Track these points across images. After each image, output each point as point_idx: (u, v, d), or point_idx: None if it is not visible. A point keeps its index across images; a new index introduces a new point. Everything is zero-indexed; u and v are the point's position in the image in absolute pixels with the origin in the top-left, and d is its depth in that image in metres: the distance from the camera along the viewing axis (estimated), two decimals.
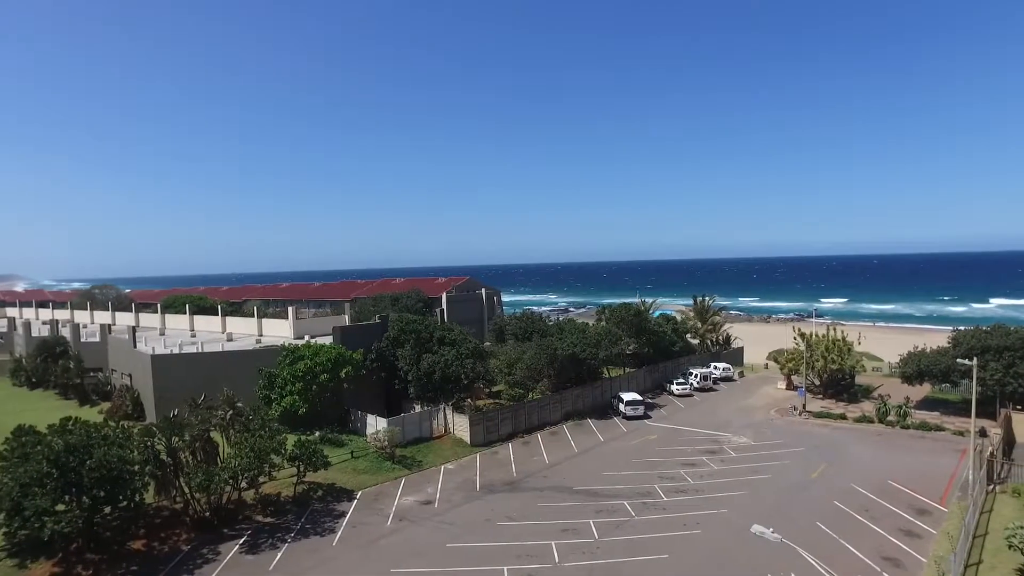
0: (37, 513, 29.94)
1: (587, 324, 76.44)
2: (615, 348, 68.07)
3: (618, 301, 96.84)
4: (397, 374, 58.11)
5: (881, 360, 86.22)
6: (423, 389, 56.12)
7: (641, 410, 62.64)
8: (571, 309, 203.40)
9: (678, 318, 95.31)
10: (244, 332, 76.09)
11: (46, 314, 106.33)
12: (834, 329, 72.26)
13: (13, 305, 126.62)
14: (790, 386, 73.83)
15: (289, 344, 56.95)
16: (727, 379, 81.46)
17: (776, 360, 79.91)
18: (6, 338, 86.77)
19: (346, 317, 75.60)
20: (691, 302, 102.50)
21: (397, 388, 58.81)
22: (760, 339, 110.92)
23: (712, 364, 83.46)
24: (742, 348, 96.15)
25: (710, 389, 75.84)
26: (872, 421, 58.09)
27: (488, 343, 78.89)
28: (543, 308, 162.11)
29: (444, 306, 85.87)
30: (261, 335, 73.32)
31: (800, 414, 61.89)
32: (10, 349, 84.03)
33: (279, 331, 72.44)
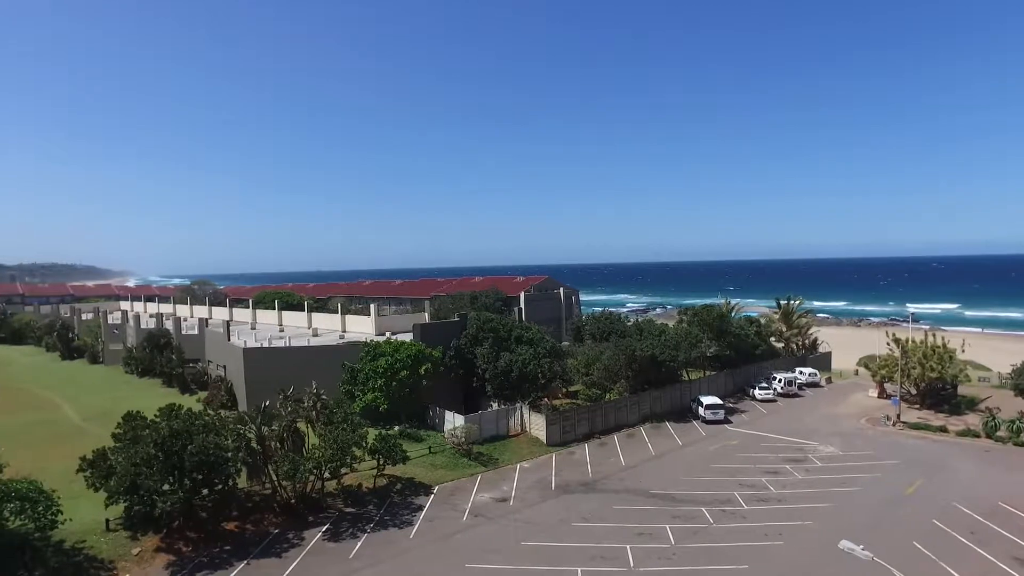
0: (150, 492, 32.52)
1: (667, 325, 75.05)
2: (695, 350, 66.47)
3: (700, 302, 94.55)
4: (475, 372, 58.95)
5: (989, 370, 79.88)
6: (500, 387, 56.71)
7: (721, 414, 60.88)
8: (650, 309, 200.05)
9: (762, 321, 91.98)
10: (328, 328, 79.29)
11: (152, 308, 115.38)
12: (933, 335, 67.59)
13: (126, 299, 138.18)
14: (882, 394, 69.62)
15: (371, 340, 58.83)
16: (813, 385, 77.83)
17: (867, 366, 75.70)
18: (120, 329, 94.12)
19: (426, 315, 77.35)
20: (775, 304, 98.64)
21: (475, 386, 59.70)
22: (850, 344, 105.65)
23: (797, 369, 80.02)
24: (830, 353, 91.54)
25: (795, 395, 72.67)
26: (978, 435, 53.89)
27: (566, 343, 78.70)
28: (622, 308, 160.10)
29: (522, 305, 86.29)
30: (344, 331, 76.20)
31: (894, 424, 58.29)
32: (123, 340, 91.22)
33: (361, 327, 75.04)
